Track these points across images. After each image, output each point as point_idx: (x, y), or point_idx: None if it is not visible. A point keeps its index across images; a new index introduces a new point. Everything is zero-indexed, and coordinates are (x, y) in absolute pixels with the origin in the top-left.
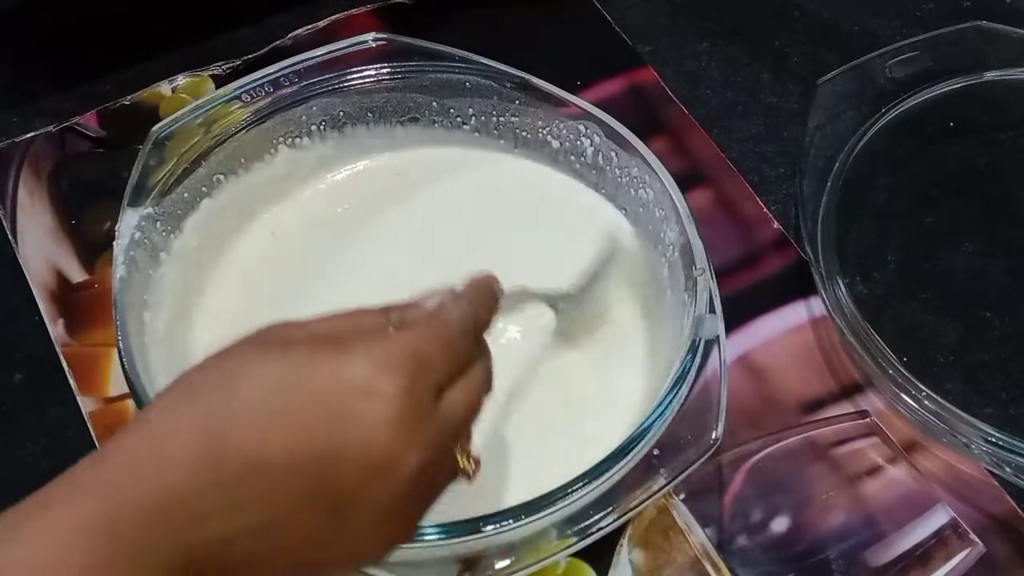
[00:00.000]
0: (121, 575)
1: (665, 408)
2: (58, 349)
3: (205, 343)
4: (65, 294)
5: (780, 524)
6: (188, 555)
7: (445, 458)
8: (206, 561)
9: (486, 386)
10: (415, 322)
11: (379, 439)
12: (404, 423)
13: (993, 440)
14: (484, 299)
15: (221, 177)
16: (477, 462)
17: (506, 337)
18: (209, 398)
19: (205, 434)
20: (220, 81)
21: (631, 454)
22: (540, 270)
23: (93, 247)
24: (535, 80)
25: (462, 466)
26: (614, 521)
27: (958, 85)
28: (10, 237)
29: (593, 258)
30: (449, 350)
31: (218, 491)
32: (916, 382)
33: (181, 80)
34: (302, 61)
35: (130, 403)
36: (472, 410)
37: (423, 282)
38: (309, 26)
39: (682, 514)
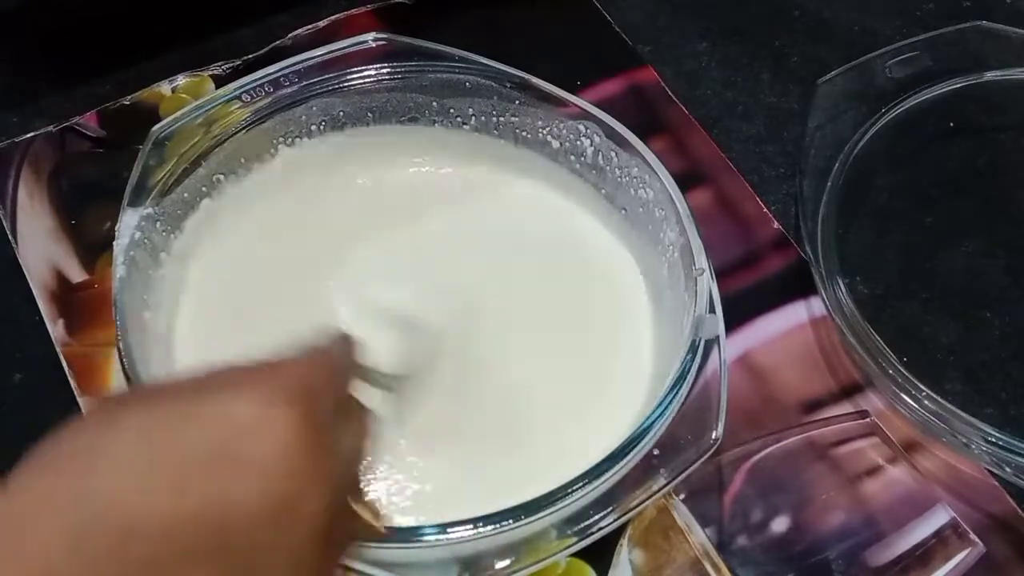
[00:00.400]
0: None
1: (665, 408)
2: (58, 349)
3: (205, 343)
4: (65, 294)
5: (780, 524)
6: None
7: (347, 502)
8: None
9: (369, 432)
10: (298, 356)
11: (275, 481)
12: (301, 458)
13: (993, 440)
14: (347, 350)
15: (221, 177)
16: (379, 513)
17: (506, 341)
18: (72, 468)
19: (73, 508)
20: (220, 81)
21: (631, 454)
22: (533, 274)
23: (93, 247)
24: (535, 80)
25: (364, 514)
26: (614, 521)
27: (958, 85)
28: (10, 237)
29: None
30: (336, 383)
31: (99, 567)
32: (916, 382)
33: (181, 80)
34: (302, 61)
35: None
36: (361, 454)
37: (423, 282)
38: (309, 26)
39: (682, 514)
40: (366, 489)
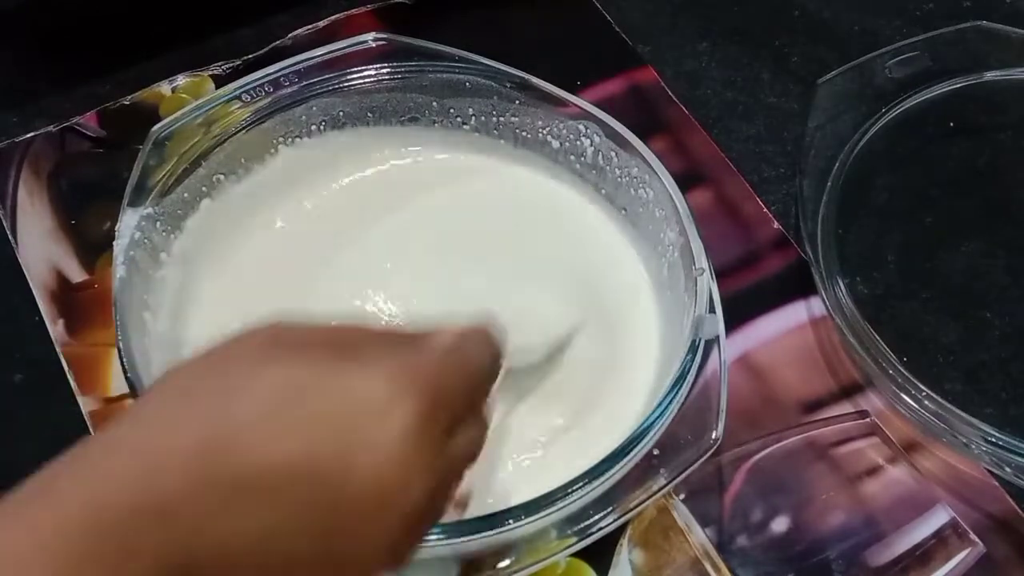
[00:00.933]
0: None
1: (665, 408)
2: (58, 349)
3: (205, 343)
4: (65, 294)
5: (780, 524)
6: (182, 557)
7: (445, 496)
8: (201, 563)
9: (481, 445)
10: (438, 350)
11: (389, 466)
12: (417, 451)
13: (993, 440)
14: (494, 351)
15: (221, 177)
16: (464, 506)
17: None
18: (211, 400)
19: (203, 439)
20: (220, 81)
21: (631, 454)
22: (534, 275)
23: (93, 247)
24: (535, 80)
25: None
26: (614, 521)
27: (958, 85)
28: (10, 237)
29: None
30: (468, 387)
31: (213, 498)
32: (916, 382)
33: (181, 80)
34: (302, 61)
35: (130, 403)
36: (472, 459)
37: (423, 283)
38: (309, 26)
39: (682, 514)
40: (461, 486)
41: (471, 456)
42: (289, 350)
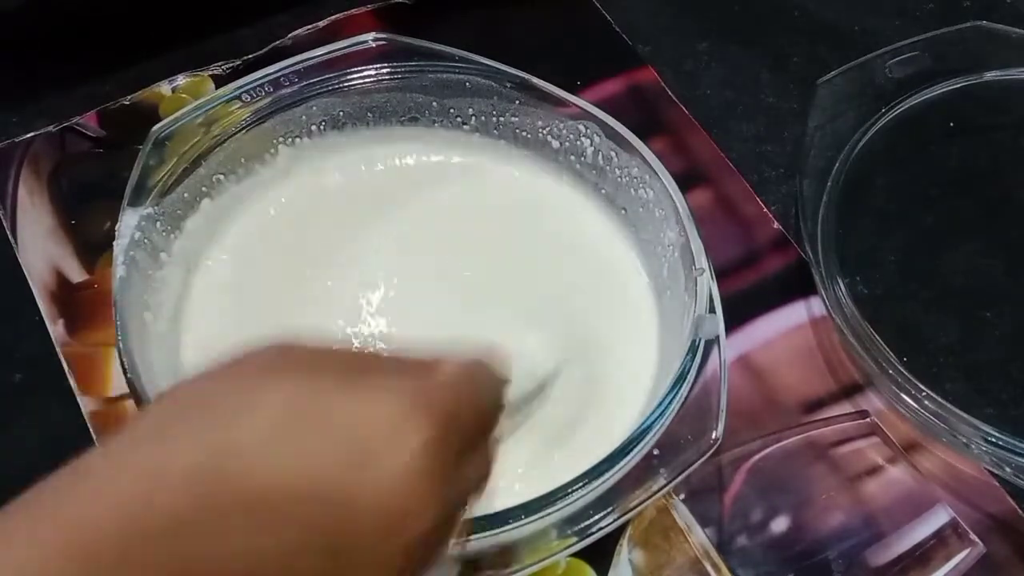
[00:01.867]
0: None
1: (665, 408)
2: (58, 349)
3: (205, 343)
4: (65, 294)
5: (780, 524)
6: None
7: (451, 525)
8: None
9: (489, 474)
10: (450, 377)
11: (398, 492)
12: (426, 477)
13: (993, 440)
14: (499, 383)
15: (221, 177)
16: (463, 537)
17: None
18: (213, 420)
19: (205, 459)
20: (220, 81)
21: (631, 454)
22: (534, 275)
23: (93, 247)
24: (535, 80)
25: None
26: (614, 521)
27: (958, 85)
28: (10, 237)
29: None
30: (478, 417)
31: (213, 520)
32: (916, 382)
33: (181, 80)
34: (302, 61)
35: (130, 403)
36: (479, 490)
37: (423, 284)
38: (309, 26)
39: (682, 514)
40: (464, 517)
41: (479, 487)
42: (295, 370)
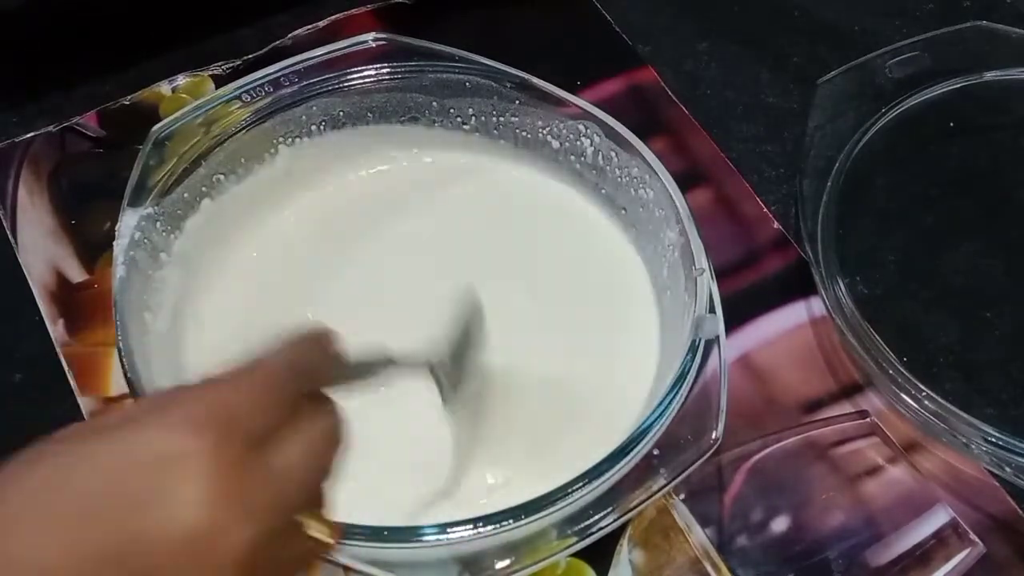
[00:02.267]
0: None
1: (665, 408)
2: (58, 349)
3: (205, 343)
4: (65, 294)
5: (780, 524)
6: None
7: (289, 525)
8: None
9: (332, 440)
10: (218, 379)
11: (189, 512)
12: (220, 487)
13: (993, 440)
14: (309, 350)
15: (221, 177)
16: (337, 528)
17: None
18: None
19: None
20: (220, 81)
21: (631, 454)
22: (534, 275)
23: (93, 247)
24: (535, 80)
25: (314, 533)
26: (614, 521)
27: (958, 85)
28: (10, 237)
29: (454, 322)
30: (262, 399)
31: None
32: (916, 382)
33: (181, 80)
34: (302, 61)
35: (129, 403)
36: (315, 468)
37: (423, 283)
38: (309, 26)
39: (682, 514)
40: (325, 501)
41: (311, 470)
42: (42, 450)
